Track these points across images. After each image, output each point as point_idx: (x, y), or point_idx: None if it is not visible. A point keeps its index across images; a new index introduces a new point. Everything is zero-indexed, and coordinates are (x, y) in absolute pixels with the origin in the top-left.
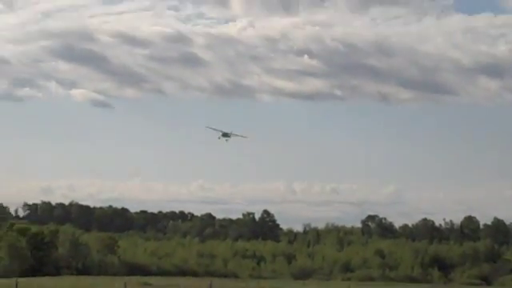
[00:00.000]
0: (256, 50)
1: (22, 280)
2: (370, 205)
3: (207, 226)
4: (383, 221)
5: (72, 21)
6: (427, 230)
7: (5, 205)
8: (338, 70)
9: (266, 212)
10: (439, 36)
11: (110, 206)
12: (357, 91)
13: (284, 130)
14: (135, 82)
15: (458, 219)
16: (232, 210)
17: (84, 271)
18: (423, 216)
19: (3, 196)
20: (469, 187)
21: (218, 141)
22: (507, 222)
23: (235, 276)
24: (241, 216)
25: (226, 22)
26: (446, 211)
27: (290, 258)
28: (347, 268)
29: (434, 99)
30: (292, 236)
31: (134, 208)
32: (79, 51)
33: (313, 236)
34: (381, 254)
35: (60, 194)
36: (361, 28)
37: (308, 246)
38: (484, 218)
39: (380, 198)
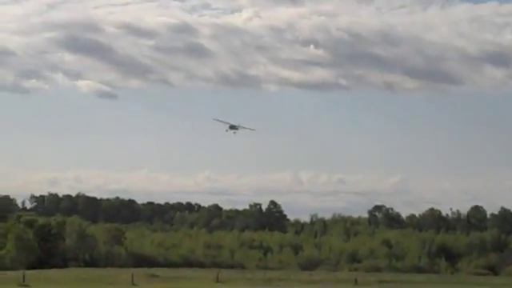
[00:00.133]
0: (262, 40)
1: (29, 272)
2: (376, 195)
3: (214, 217)
4: (390, 211)
5: (77, 12)
6: (434, 220)
7: (12, 197)
8: (344, 59)
9: (272, 203)
10: (444, 25)
11: (117, 198)
12: (362, 81)
13: (290, 119)
14: (141, 72)
15: (464, 209)
16: (239, 201)
17: (91, 263)
18: (429, 206)
19: (10, 188)
20: (475, 177)
21: (224, 132)
22: None
23: (242, 267)
24: (247, 207)
25: (232, 12)
26: (453, 201)
27: (296, 249)
28: (354, 258)
29: (439, 88)
30: (299, 226)
31: (140, 199)
32: (84, 42)
33: (320, 226)
34: (388, 244)
35: (67, 186)
36: (366, 17)
37: (315, 236)
38: (491, 208)
39: (386, 187)
